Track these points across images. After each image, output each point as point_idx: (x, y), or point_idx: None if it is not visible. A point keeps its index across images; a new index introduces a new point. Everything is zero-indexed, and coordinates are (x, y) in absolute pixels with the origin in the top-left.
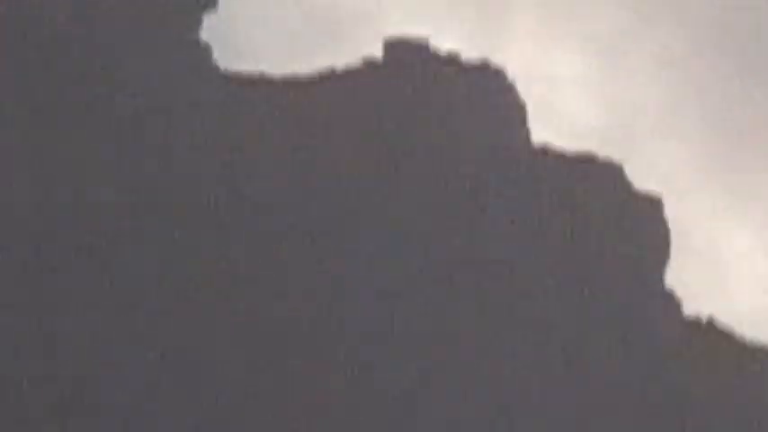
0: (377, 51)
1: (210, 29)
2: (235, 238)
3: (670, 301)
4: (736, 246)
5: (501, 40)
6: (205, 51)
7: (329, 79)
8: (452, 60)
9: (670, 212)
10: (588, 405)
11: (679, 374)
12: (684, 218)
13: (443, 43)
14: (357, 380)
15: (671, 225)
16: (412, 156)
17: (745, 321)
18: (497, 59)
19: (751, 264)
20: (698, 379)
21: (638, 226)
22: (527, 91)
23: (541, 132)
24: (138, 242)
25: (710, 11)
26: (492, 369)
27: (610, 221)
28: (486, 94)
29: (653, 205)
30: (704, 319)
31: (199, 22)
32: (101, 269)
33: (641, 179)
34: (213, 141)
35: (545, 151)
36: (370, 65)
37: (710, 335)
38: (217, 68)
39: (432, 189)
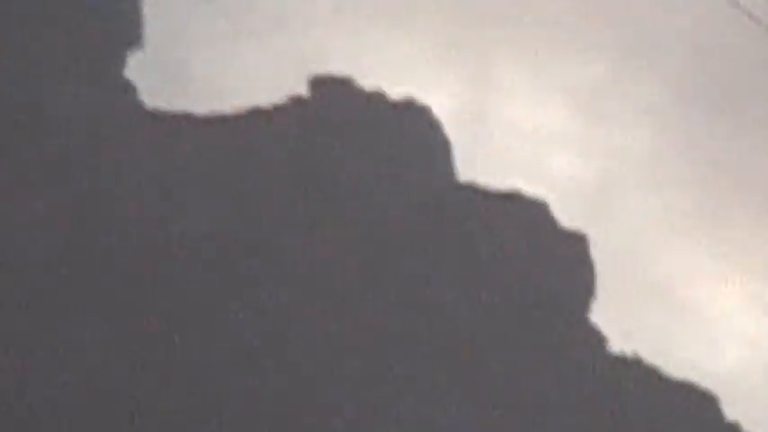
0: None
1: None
2: (163, 277)
3: (595, 338)
4: (722, 302)
5: (485, 96)
6: (131, 89)
7: (254, 116)
8: (378, 97)
9: (653, 268)
10: None
11: (603, 410)
12: (668, 273)
13: (427, 99)
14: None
15: (653, 280)
16: (335, 194)
17: (730, 378)
18: (482, 114)
19: (737, 320)
20: (623, 414)
21: (562, 262)
22: (511, 145)
23: (525, 185)
24: (64, 283)
25: (691, 63)
26: (414, 410)
27: (534, 258)
28: (412, 131)
29: (578, 242)
30: (630, 356)
31: (124, 61)
32: (25, 313)
33: (624, 233)
34: (139, 180)
35: (470, 188)
36: (295, 102)
37: (637, 371)
38: (142, 106)
39: (356, 227)
